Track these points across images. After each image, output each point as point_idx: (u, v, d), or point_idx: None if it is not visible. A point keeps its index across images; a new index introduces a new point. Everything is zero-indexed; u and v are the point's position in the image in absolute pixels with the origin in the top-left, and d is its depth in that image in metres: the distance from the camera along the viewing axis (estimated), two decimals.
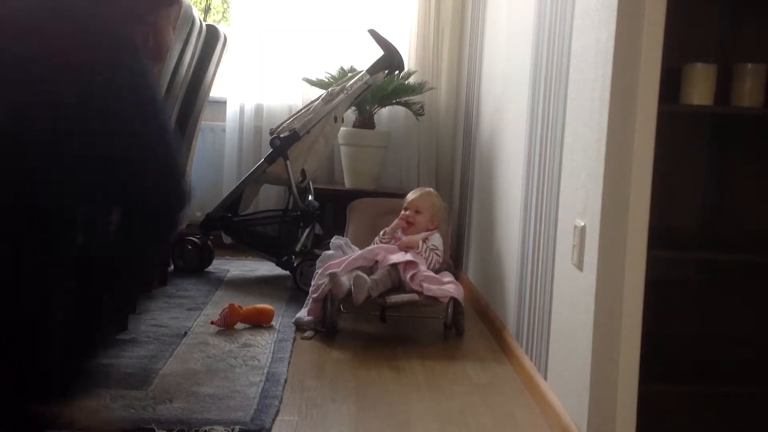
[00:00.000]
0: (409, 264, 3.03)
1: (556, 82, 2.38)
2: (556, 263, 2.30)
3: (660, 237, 1.92)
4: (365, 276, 2.90)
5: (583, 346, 2.00)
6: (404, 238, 3.20)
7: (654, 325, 1.93)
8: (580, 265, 2.06)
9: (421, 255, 3.13)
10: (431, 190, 3.47)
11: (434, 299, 2.94)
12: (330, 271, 2.95)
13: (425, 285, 2.96)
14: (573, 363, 2.08)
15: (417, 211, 3.28)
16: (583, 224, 2.05)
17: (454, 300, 2.96)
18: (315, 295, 3.00)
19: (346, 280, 2.88)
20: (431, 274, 3.05)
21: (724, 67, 2.08)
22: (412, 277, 2.99)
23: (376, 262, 3.09)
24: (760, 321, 2.22)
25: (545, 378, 2.35)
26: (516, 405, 2.37)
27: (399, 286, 3.01)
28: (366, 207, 3.62)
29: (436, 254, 3.18)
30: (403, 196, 3.63)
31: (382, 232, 3.27)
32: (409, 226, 3.26)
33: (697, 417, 2.12)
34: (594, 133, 1.99)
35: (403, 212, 3.31)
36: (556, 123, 2.36)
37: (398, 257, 3.06)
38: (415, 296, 2.95)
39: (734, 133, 2.30)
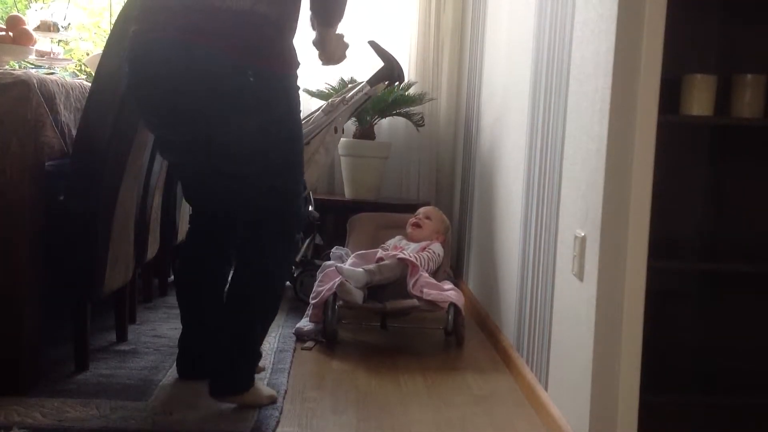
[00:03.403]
0: (413, 270, 3.04)
1: (556, 93, 2.38)
2: (557, 273, 2.30)
3: (660, 247, 1.92)
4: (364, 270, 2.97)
5: (583, 357, 1.99)
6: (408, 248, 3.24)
7: (654, 335, 1.93)
8: (580, 276, 2.06)
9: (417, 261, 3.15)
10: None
11: (434, 304, 2.95)
12: (336, 282, 2.95)
13: (425, 290, 2.97)
14: (574, 373, 2.07)
15: (427, 217, 3.44)
16: (583, 234, 2.05)
17: (454, 306, 2.96)
18: (315, 301, 3.01)
19: (354, 289, 2.90)
20: (432, 280, 3.06)
21: (723, 78, 2.08)
22: (414, 284, 3.00)
23: (380, 259, 3.12)
24: (761, 331, 2.22)
25: (546, 388, 2.35)
26: (517, 416, 2.37)
27: (400, 291, 3.02)
28: (366, 221, 3.64)
29: (430, 255, 3.21)
30: (403, 207, 3.68)
31: (382, 249, 3.29)
32: (417, 228, 3.39)
33: (698, 428, 2.12)
34: (594, 144, 1.99)
35: (413, 218, 3.45)
36: (556, 134, 2.37)
37: (403, 255, 3.11)
38: (415, 301, 2.96)
39: (734, 143, 2.30)
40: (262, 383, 2.41)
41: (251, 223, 2.22)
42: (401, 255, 3.10)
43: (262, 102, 2.10)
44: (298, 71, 2.26)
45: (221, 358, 2.24)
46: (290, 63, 2.20)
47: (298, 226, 2.33)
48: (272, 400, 2.30)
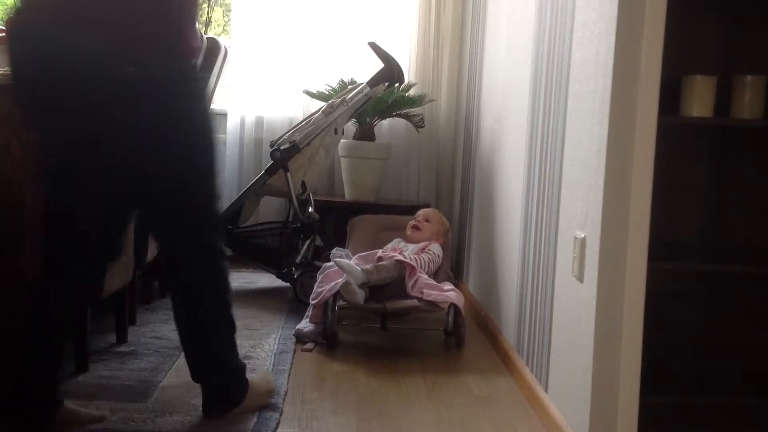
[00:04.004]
0: (411, 271, 3.04)
1: (556, 93, 2.38)
2: (557, 275, 2.30)
3: (660, 248, 1.92)
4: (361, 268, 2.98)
5: (583, 358, 1.99)
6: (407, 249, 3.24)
7: (654, 336, 1.93)
8: (580, 277, 2.06)
9: (416, 263, 3.15)
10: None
11: (434, 304, 2.96)
12: (340, 282, 2.95)
13: (425, 291, 2.97)
14: (574, 375, 2.07)
15: (426, 220, 3.44)
16: (583, 236, 2.05)
17: (454, 307, 2.96)
18: (315, 302, 3.01)
19: (357, 289, 2.90)
20: (431, 281, 3.06)
21: (723, 79, 2.08)
22: (413, 286, 3.00)
23: (379, 258, 3.14)
24: (760, 332, 2.22)
25: (546, 390, 2.35)
26: (517, 417, 2.36)
27: (400, 292, 3.02)
28: (367, 223, 3.64)
29: (430, 257, 3.21)
30: (403, 208, 3.69)
31: (382, 250, 3.29)
32: (417, 231, 3.39)
33: (698, 428, 2.12)
34: (594, 145, 1.99)
35: (412, 221, 3.46)
36: (556, 135, 2.37)
37: (401, 256, 3.11)
38: (415, 302, 2.97)
39: (734, 144, 2.30)
40: (257, 376, 2.37)
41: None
42: (398, 257, 3.10)
43: (145, 98, 1.88)
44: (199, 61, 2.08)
45: (203, 383, 2.19)
46: (183, 51, 1.96)
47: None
48: (271, 395, 2.29)
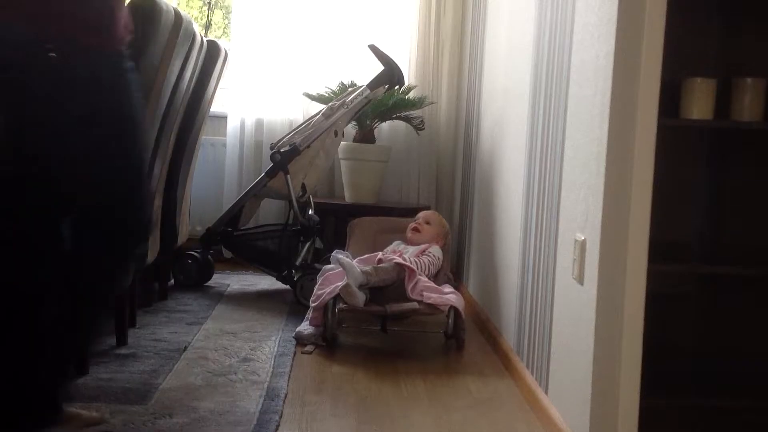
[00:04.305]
0: (411, 274, 3.04)
1: (555, 96, 2.38)
2: (557, 277, 2.30)
3: (660, 250, 1.92)
4: (359, 269, 2.97)
5: (584, 360, 1.99)
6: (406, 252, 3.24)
7: (654, 338, 1.93)
8: (580, 279, 2.06)
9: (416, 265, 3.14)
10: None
11: (434, 307, 2.95)
12: (339, 284, 2.95)
13: (425, 294, 2.97)
14: (574, 377, 2.07)
15: (426, 222, 3.43)
16: (583, 238, 2.05)
17: (454, 309, 2.96)
18: (315, 304, 3.01)
19: (357, 291, 2.90)
20: (431, 284, 3.06)
21: (723, 82, 2.09)
22: (413, 288, 3.00)
23: (379, 260, 3.15)
24: (760, 334, 2.22)
25: (546, 392, 2.34)
26: (517, 419, 2.36)
27: (401, 294, 3.02)
28: (367, 225, 3.64)
29: (431, 260, 3.21)
30: (403, 211, 3.69)
31: (382, 252, 3.29)
32: (417, 233, 3.38)
33: (697, 430, 2.12)
34: (594, 148, 1.99)
35: (412, 223, 3.45)
36: (556, 137, 2.37)
37: (400, 259, 3.11)
38: (416, 304, 2.96)
39: (734, 147, 2.31)
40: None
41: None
42: (398, 259, 3.09)
43: (66, 88, 1.71)
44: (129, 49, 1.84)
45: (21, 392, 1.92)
46: (114, 36, 1.78)
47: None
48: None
